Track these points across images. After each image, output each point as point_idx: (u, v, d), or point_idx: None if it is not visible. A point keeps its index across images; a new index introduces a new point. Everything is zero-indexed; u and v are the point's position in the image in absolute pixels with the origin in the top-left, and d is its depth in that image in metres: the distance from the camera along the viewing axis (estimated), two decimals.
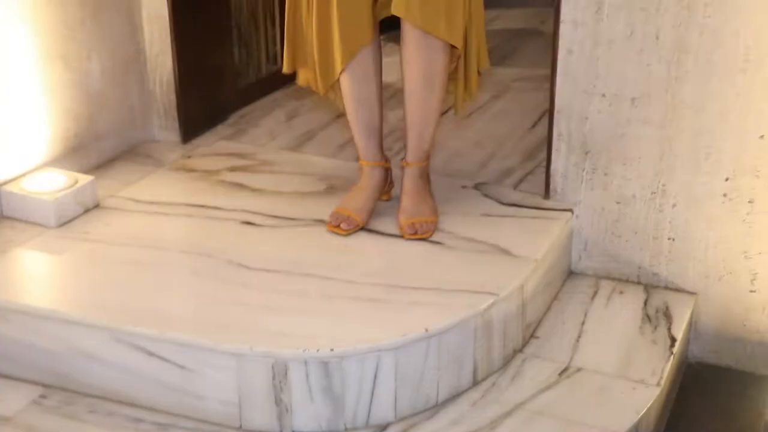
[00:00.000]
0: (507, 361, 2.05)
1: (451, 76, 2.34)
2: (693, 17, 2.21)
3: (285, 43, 2.33)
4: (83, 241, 2.26)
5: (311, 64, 2.27)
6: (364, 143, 2.33)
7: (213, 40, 3.06)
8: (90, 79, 2.71)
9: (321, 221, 2.31)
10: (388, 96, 2.95)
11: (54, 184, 2.40)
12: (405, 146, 2.35)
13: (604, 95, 2.34)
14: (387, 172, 2.39)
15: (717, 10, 2.19)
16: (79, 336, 1.92)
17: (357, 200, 2.32)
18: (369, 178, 2.34)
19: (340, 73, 2.24)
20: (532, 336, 2.15)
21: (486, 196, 2.53)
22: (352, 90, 2.28)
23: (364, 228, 2.28)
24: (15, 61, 2.44)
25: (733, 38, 2.17)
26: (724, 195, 2.27)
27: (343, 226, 2.26)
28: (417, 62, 2.25)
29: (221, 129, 3.04)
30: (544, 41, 2.46)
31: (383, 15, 2.23)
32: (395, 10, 2.14)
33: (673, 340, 2.15)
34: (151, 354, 1.86)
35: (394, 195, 2.39)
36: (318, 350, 1.77)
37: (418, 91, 2.28)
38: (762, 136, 2.20)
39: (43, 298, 2.05)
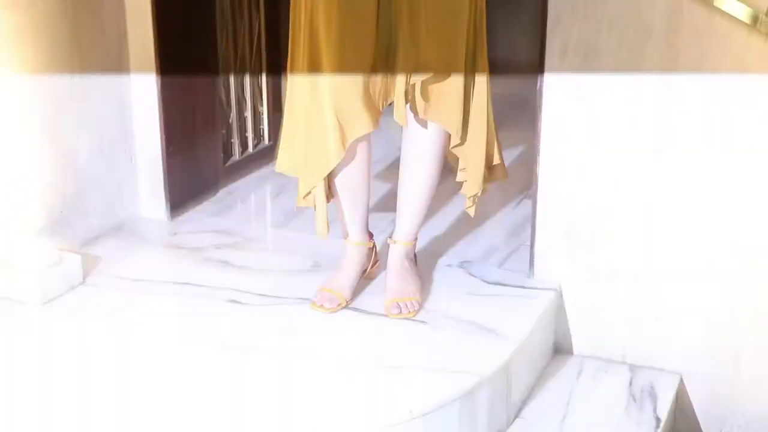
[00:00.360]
0: None
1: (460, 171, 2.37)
2: (672, 102, 2.28)
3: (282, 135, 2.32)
4: (68, 318, 2.26)
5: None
6: (349, 224, 2.35)
7: (201, 117, 3.09)
8: (78, 156, 2.72)
9: (307, 299, 2.32)
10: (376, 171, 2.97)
11: (40, 260, 2.41)
12: (395, 223, 2.38)
13: (587, 175, 2.39)
14: (371, 251, 2.41)
15: (695, 99, 2.25)
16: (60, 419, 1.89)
17: (341, 279, 2.33)
18: (353, 257, 2.36)
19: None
20: (517, 416, 2.15)
21: (471, 274, 2.55)
22: (341, 177, 2.29)
23: (348, 306, 2.29)
24: (2, 138, 2.47)
25: (709, 125, 2.25)
26: (708, 275, 2.29)
27: (327, 305, 2.28)
28: (418, 144, 2.31)
29: (208, 205, 3.06)
30: (532, 110, 2.51)
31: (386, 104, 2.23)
32: (419, 112, 2.20)
33: (659, 420, 2.15)
34: None
35: (380, 272, 2.41)
36: None
37: (415, 170, 2.33)
38: (743, 216, 2.25)
39: (24, 377, 2.05)
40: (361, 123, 2.19)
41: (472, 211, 2.41)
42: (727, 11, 2.16)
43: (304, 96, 2.21)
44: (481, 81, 2.28)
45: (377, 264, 2.44)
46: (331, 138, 2.18)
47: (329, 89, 2.15)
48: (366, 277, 2.40)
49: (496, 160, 2.35)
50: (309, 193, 2.30)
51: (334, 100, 2.15)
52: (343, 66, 2.17)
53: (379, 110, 2.23)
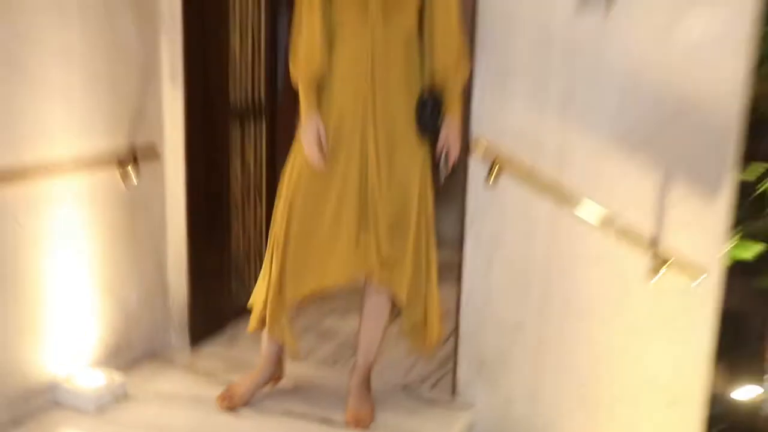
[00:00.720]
0: None
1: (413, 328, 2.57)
2: (547, 271, 2.54)
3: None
4: (113, 425, 2.52)
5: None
6: (267, 344, 2.64)
7: (217, 274, 3.29)
8: (128, 304, 2.96)
9: (289, 412, 2.59)
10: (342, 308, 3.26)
11: (94, 380, 2.67)
12: (356, 356, 2.64)
13: (495, 324, 2.67)
14: (279, 367, 2.70)
15: (572, 266, 2.52)
16: None
17: (246, 384, 2.62)
18: (263, 370, 2.65)
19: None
20: None
21: (410, 395, 2.80)
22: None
23: (324, 419, 2.54)
24: (75, 292, 2.71)
25: (569, 291, 2.53)
26: (582, 399, 2.57)
27: (227, 402, 2.59)
28: (373, 302, 2.58)
29: (220, 338, 3.27)
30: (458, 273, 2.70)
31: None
32: (387, 284, 2.43)
33: None
34: None
35: (342, 391, 2.64)
36: None
37: (371, 322, 2.61)
38: (602, 357, 2.52)
39: None
40: (296, 292, 2.45)
41: (431, 352, 2.62)
42: (586, 218, 2.47)
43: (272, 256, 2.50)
44: (430, 262, 2.50)
45: (280, 379, 2.73)
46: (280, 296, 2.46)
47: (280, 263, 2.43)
48: (271, 386, 2.69)
49: (435, 322, 2.56)
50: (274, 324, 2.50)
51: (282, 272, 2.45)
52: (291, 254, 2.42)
53: (318, 284, 2.44)
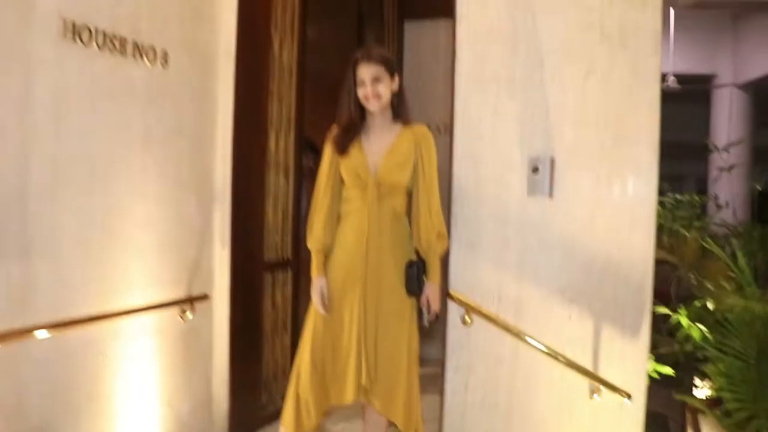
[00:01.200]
0: None
1: None
2: (510, 393, 2.61)
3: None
4: None
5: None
6: None
7: (251, 388, 3.34)
8: (181, 413, 3.04)
9: None
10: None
11: None
12: None
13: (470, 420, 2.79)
14: None
15: (530, 390, 2.60)
16: None
17: None
18: None
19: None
20: None
21: None
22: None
23: None
24: (142, 405, 2.77)
25: (528, 410, 2.64)
26: None
27: None
28: (374, 421, 2.65)
29: None
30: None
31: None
32: (382, 410, 2.49)
33: None
34: None
35: None
36: None
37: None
38: None
39: None
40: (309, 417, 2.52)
41: None
42: (539, 352, 2.59)
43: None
44: (416, 389, 2.56)
45: None
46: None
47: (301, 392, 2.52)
48: None
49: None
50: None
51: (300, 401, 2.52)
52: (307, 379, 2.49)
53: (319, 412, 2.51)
